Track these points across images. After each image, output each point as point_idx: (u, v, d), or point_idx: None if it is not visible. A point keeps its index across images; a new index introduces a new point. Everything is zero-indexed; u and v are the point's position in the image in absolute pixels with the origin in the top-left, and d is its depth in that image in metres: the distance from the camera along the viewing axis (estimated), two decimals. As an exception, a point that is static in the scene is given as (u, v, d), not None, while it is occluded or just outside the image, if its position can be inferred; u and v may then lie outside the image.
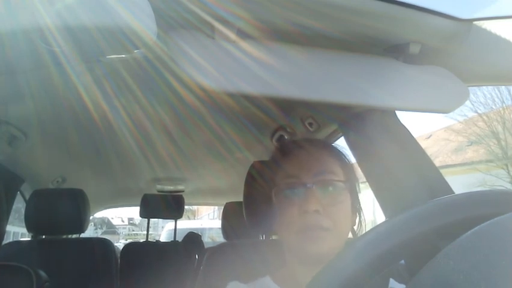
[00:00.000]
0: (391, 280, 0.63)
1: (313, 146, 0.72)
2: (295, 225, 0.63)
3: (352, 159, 0.78)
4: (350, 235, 0.70)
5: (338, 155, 0.72)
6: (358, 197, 0.72)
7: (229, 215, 1.93)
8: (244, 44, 0.65)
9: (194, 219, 14.98)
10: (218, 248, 0.93)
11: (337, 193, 0.65)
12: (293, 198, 0.65)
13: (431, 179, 0.86)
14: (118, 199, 2.93)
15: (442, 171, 0.89)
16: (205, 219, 13.19)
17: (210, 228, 5.76)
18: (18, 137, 1.40)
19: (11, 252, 1.57)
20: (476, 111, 10.71)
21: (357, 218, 0.72)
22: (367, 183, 0.96)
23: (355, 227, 0.72)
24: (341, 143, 1.07)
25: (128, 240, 4.97)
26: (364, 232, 0.39)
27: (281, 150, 0.74)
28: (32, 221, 1.62)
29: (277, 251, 0.73)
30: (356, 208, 0.71)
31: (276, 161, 0.72)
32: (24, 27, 0.47)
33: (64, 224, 1.64)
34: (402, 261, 0.66)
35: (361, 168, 0.97)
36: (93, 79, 1.04)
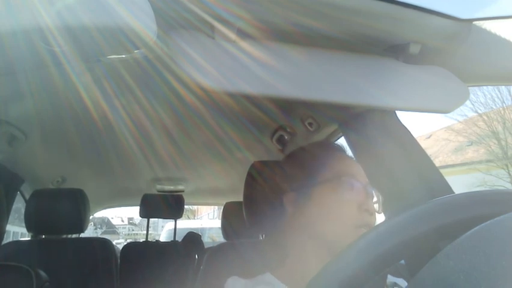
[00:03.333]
0: (388, 276, 0.64)
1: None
2: (354, 221, 0.65)
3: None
4: None
5: None
6: None
7: (229, 215, 1.93)
8: (244, 44, 0.65)
9: (194, 218, 14.99)
10: (218, 248, 0.93)
11: None
12: (354, 195, 0.67)
13: (431, 179, 0.86)
14: (118, 199, 2.93)
15: (442, 171, 0.89)
16: (205, 218, 13.18)
17: (210, 228, 5.76)
18: (18, 137, 1.40)
19: (11, 252, 1.57)
20: (476, 111, 10.73)
21: None
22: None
23: None
24: (341, 143, 1.07)
25: (128, 240, 4.97)
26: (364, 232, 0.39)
27: (332, 148, 0.77)
28: (32, 221, 1.62)
29: (277, 251, 0.73)
30: None
31: (323, 156, 0.73)
32: (24, 27, 0.47)
33: (64, 223, 1.64)
34: (402, 261, 0.67)
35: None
36: (93, 79, 1.04)
